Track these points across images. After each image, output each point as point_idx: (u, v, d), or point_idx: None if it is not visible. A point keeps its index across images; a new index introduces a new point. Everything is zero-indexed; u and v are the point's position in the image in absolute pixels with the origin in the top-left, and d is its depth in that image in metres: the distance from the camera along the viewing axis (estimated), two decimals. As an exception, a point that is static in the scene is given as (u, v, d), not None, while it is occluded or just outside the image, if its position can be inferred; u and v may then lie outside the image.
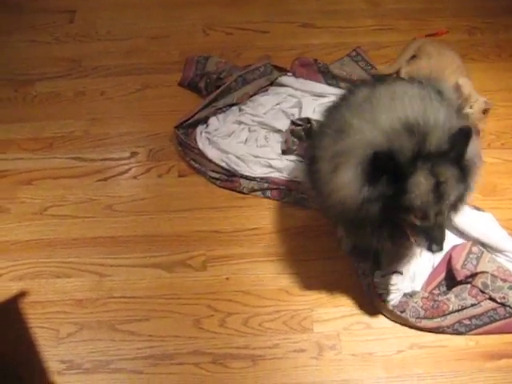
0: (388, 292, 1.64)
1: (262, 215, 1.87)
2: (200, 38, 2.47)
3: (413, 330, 1.64)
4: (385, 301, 1.64)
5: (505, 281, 1.65)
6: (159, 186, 1.97)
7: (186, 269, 1.76)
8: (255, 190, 1.92)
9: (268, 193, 1.93)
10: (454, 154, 1.24)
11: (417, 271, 1.72)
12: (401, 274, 1.68)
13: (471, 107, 2.12)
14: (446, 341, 1.62)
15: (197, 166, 2.00)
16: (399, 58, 2.34)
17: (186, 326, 1.64)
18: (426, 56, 2.31)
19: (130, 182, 1.98)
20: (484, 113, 2.10)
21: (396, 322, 1.65)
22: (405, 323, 1.64)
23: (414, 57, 2.33)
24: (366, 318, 1.66)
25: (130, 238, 1.83)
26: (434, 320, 1.62)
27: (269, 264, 1.77)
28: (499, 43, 2.54)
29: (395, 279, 1.66)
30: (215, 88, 2.17)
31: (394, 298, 1.64)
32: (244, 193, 1.93)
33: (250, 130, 2.09)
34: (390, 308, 1.63)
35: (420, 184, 1.22)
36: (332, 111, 1.53)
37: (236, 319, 1.65)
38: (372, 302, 1.68)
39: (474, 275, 1.65)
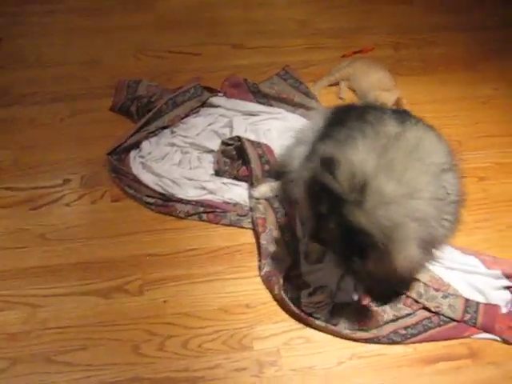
0: (317, 309, 1.65)
1: (198, 236, 1.87)
2: (131, 63, 2.47)
3: (352, 341, 1.65)
4: (316, 318, 1.65)
5: (437, 290, 1.71)
6: (93, 212, 1.94)
7: (123, 294, 1.73)
8: (191, 214, 1.91)
9: (204, 216, 1.91)
10: None
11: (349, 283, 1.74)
12: (326, 287, 1.70)
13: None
14: (384, 349, 1.64)
15: (131, 192, 1.97)
16: (328, 75, 2.42)
17: (124, 352, 1.60)
18: (358, 74, 2.40)
19: (63, 210, 1.94)
20: None
21: (333, 335, 1.66)
22: (340, 336, 1.65)
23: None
24: (305, 332, 1.66)
25: (64, 266, 1.79)
26: (371, 331, 1.64)
27: (206, 284, 1.75)
28: (423, 58, 2.64)
29: (321, 295, 1.68)
30: (146, 112, 2.17)
31: (325, 313, 1.65)
32: (180, 217, 1.92)
33: (182, 152, 2.09)
34: (323, 324, 1.64)
35: None
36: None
37: (175, 342, 1.63)
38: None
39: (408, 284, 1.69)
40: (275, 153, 2.04)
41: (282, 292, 1.68)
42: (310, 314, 1.65)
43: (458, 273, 1.79)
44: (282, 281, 1.70)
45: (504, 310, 1.71)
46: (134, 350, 1.61)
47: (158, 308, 1.70)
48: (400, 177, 1.35)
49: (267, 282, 1.74)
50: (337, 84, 2.43)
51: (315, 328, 1.66)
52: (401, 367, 1.61)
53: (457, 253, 1.83)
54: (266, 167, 2.00)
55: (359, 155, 1.38)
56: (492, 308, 1.69)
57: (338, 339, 1.65)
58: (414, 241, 1.37)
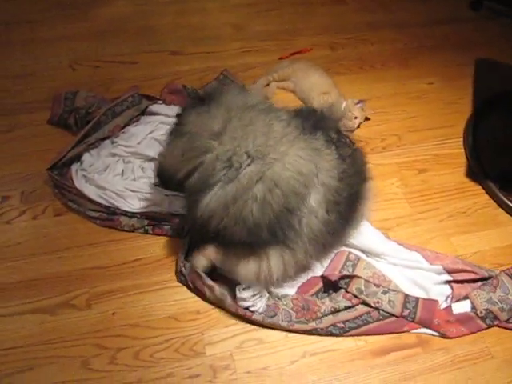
0: (253, 302, 1.66)
1: (143, 245, 1.84)
2: (67, 74, 2.42)
3: (304, 339, 1.66)
4: (254, 312, 1.65)
5: (378, 286, 1.73)
6: (35, 228, 1.88)
7: (70, 309, 1.69)
8: (136, 228, 1.89)
9: (149, 229, 1.89)
10: None
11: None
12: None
13: (355, 118, 2.25)
14: (336, 344, 1.66)
15: (75, 206, 1.93)
16: (267, 74, 2.44)
17: (73, 369, 1.56)
18: (298, 75, 2.42)
19: (3, 228, 1.88)
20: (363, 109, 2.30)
21: (272, 328, 1.67)
22: (278, 328, 1.66)
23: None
24: (257, 334, 1.66)
25: (6, 285, 1.73)
26: (309, 324, 1.66)
27: (155, 293, 1.73)
28: (360, 56, 2.70)
29: (256, 288, 1.68)
30: (85, 123, 2.13)
31: (261, 305, 1.66)
32: (126, 231, 1.89)
33: (124, 162, 2.06)
34: (260, 318, 1.65)
35: None
36: None
37: (126, 354, 1.60)
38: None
39: (349, 279, 1.72)
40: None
41: (216, 291, 1.68)
42: (247, 308, 1.65)
43: (401, 268, 1.83)
44: (209, 282, 1.69)
45: (444, 305, 1.74)
46: (84, 366, 1.57)
47: (106, 321, 1.67)
48: None
49: (194, 287, 1.73)
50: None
51: (253, 322, 1.67)
52: (353, 361, 1.64)
53: (401, 248, 1.87)
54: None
55: None
56: (431, 303, 1.71)
57: (289, 338, 1.66)
58: None
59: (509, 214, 2.09)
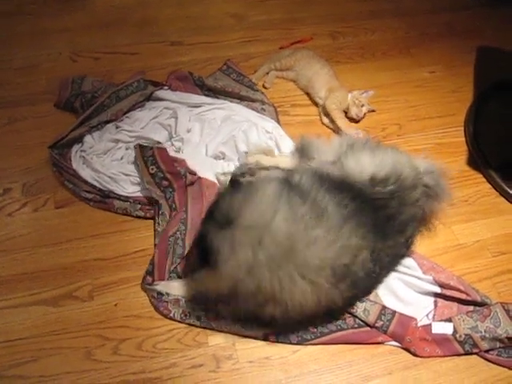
0: None
1: (145, 236, 1.84)
2: (68, 66, 2.41)
3: (306, 328, 1.67)
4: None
5: None
6: (36, 220, 1.89)
7: (73, 301, 1.70)
8: (129, 213, 1.89)
9: (142, 213, 1.89)
10: None
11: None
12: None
13: (362, 105, 2.25)
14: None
15: (71, 186, 1.94)
16: (268, 63, 2.44)
17: (77, 359, 1.58)
18: (300, 65, 2.42)
19: (5, 220, 1.88)
20: (368, 103, 2.32)
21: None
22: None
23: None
24: (259, 324, 1.67)
25: (10, 277, 1.74)
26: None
27: (157, 284, 1.74)
28: (361, 45, 2.68)
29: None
30: (90, 106, 2.12)
31: None
32: (119, 213, 1.90)
33: (126, 148, 2.06)
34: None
35: None
36: None
37: (129, 345, 1.61)
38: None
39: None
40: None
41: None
42: None
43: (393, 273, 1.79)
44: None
45: (424, 321, 1.71)
46: (88, 357, 1.59)
47: (109, 312, 1.68)
48: None
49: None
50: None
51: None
52: (354, 350, 1.65)
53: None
54: (152, 169, 1.91)
55: None
56: (407, 319, 1.68)
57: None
58: None
59: (510, 202, 2.09)
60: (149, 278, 1.72)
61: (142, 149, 1.93)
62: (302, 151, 1.87)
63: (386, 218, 1.64)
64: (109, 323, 1.66)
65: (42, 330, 1.63)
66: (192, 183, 1.90)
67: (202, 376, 1.57)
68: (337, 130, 2.24)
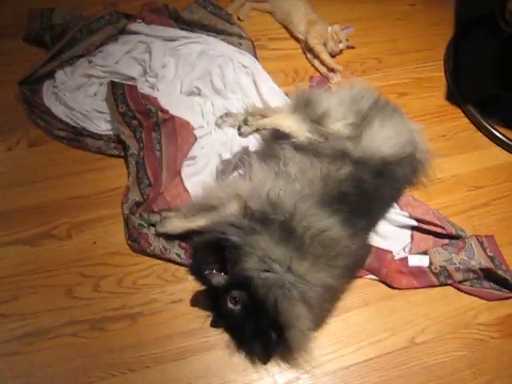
0: None
1: (121, 174, 1.82)
2: (35, -2, 2.30)
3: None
4: None
5: None
6: (10, 159, 1.85)
7: (51, 240, 1.69)
8: (102, 151, 1.86)
9: (115, 151, 1.86)
10: None
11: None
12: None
13: (340, 42, 2.20)
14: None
15: (43, 124, 1.90)
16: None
17: (58, 297, 1.59)
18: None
19: (-23, 160, 1.85)
20: (347, 40, 2.26)
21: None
22: None
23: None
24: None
25: (-16, 218, 1.72)
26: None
27: (135, 221, 1.73)
28: (340, -23, 2.60)
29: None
30: (61, 41, 2.04)
31: None
32: (92, 151, 1.87)
33: (100, 84, 2.00)
34: None
35: None
36: None
37: (109, 281, 1.62)
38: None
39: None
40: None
41: None
42: None
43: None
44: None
45: (401, 254, 1.74)
46: (68, 294, 1.60)
47: (88, 250, 1.68)
48: None
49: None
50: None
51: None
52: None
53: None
54: (122, 108, 1.86)
55: None
56: (383, 253, 1.71)
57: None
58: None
59: (488, 137, 2.10)
60: (135, 209, 1.71)
61: (113, 86, 1.88)
62: (305, 106, 1.76)
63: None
64: (88, 261, 1.66)
65: (21, 270, 1.63)
66: (165, 121, 1.86)
67: (182, 310, 1.59)
68: (320, 65, 2.22)
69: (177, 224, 1.63)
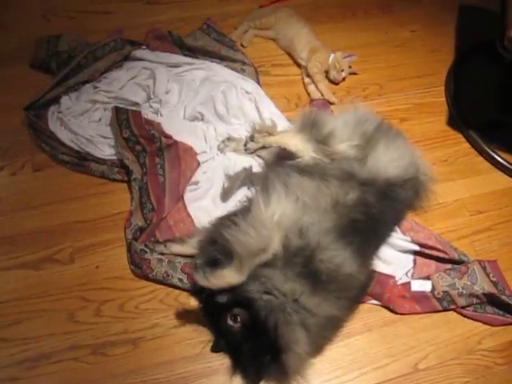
0: None
1: (124, 198, 1.83)
2: (41, 25, 2.33)
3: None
4: None
5: None
6: (14, 184, 1.86)
7: (54, 264, 1.69)
8: (107, 176, 1.87)
9: (119, 176, 1.88)
10: None
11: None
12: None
13: (342, 71, 2.23)
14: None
15: (48, 149, 1.91)
16: (248, 20, 2.41)
17: (60, 322, 1.59)
18: (277, 25, 2.38)
19: (-18, 184, 1.86)
20: (350, 66, 2.28)
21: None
22: None
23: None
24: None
25: (-12, 242, 1.73)
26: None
27: (138, 246, 1.74)
28: (342, 4, 2.65)
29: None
30: (67, 67, 2.07)
31: None
32: (96, 176, 1.88)
33: (105, 110, 2.02)
34: None
35: None
36: None
37: (111, 306, 1.62)
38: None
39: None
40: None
41: None
42: None
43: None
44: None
45: (404, 279, 1.74)
46: (70, 319, 1.60)
47: (90, 274, 1.68)
48: None
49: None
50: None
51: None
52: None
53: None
54: (126, 133, 1.88)
55: None
56: (385, 278, 1.71)
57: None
58: None
59: (489, 162, 2.11)
60: (138, 234, 1.71)
61: (117, 111, 1.90)
62: (311, 126, 1.75)
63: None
64: (90, 285, 1.66)
65: (24, 294, 1.63)
66: (168, 146, 1.87)
67: (184, 336, 1.59)
68: (315, 90, 2.25)
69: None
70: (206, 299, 1.46)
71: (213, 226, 1.66)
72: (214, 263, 1.47)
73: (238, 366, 1.50)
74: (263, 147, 1.82)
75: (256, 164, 1.92)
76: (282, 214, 1.50)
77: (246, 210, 1.59)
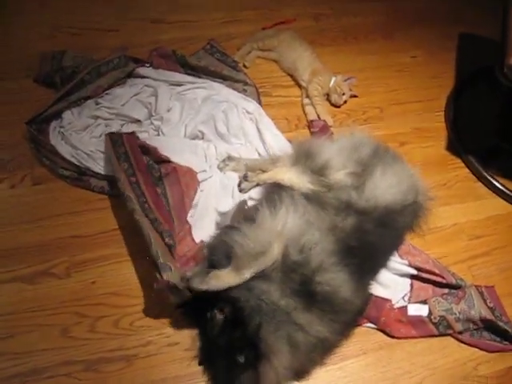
0: None
1: (123, 214, 1.80)
2: (46, 41, 2.35)
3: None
4: None
5: None
6: (13, 197, 1.86)
7: (49, 278, 1.68)
8: (106, 191, 1.87)
9: (118, 193, 1.82)
10: None
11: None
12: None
13: (343, 94, 2.25)
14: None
15: (48, 163, 1.92)
16: (251, 42, 2.43)
17: (53, 337, 1.57)
18: (280, 47, 2.41)
19: (-19, 197, 1.86)
20: (351, 89, 2.30)
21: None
22: None
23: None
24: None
25: (-16, 254, 1.72)
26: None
27: (133, 262, 1.73)
28: (344, 28, 2.69)
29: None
30: (70, 82, 2.08)
31: None
32: (95, 191, 1.88)
33: (106, 126, 2.03)
34: None
35: None
36: None
37: (106, 322, 1.61)
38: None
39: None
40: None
41: None
42: None
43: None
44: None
45: (400, 303, 1.74)
46: (64, 334, 1.58)
47: (86, 289, 1.67)
48: None
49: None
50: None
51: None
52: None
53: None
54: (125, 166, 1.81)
55: None
56: (381, 302, 1.70)
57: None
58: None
59: (488, 187, 2.13)
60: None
61: (113, 142, 1.85)
62: (305, 157, 1.75)
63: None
64: (86, 301, 1.65)
65: (18, 308, 1.62)
66: (167, 174, 1.87)
67: (178, 354, 1.58)
68: (313, 111, 2.26)
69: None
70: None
71: (217, 234, 1.67)
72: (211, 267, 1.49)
73: (210, 359, 1.48)
74: (257, 185, 1.83)
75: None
76: (287, 224, 1.50)
77: (250, 219, 1.58)
